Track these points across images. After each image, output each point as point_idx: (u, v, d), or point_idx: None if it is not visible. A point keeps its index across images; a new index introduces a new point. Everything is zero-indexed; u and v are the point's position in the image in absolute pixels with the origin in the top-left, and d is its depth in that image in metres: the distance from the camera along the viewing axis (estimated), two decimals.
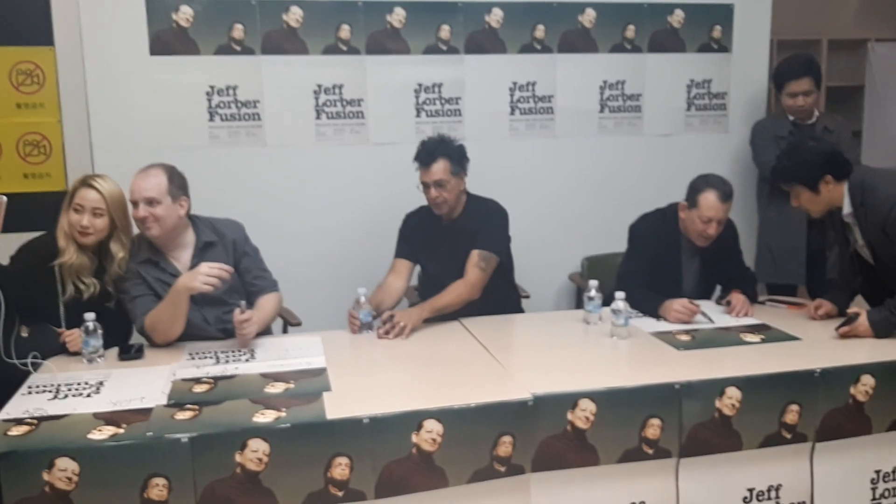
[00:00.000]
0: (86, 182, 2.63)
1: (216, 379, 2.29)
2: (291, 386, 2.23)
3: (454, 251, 3.05)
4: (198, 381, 2.27)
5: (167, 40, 3.42)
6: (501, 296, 3.13)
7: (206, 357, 2.49)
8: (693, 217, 2.96)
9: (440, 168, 2.97)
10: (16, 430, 1.94)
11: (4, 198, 2.18)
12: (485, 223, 3.06)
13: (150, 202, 2.61)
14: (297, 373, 2.35)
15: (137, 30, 3.38)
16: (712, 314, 2.91)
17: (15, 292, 2.36)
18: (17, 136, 3.43)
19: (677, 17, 3.93)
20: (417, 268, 3.21)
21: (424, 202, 3.10)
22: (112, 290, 2.66)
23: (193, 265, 2.65)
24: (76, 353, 2.50)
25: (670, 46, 3.95)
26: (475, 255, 2.99)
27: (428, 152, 3.00)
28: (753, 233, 3.85)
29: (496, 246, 3.03)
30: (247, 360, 2.47)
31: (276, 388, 2.21)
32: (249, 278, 2.81)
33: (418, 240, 3.16)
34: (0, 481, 1.83)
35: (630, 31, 3.89)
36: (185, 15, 3.43)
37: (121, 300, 2.68)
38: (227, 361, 2.46)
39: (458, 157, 3.02)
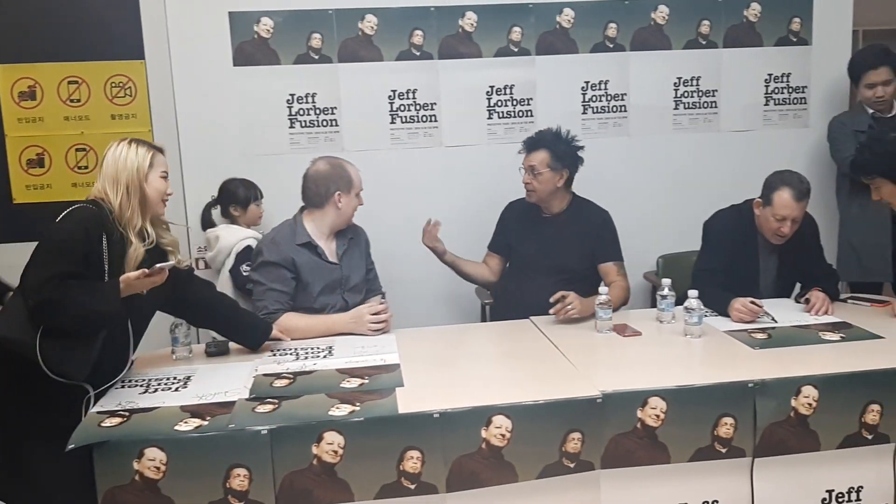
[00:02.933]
0: (158, 147, 2.43)
1: (295, 374, 2.38)
2: (366, 381, 2.30)
3: (549, 244, 3.17)
4: (278, 376, 2.37)
5: (249, 51, 3.58)
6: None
7: (286, 353, 2.60)
8: (767, 215, 2.91)
9: (538, 157, 3.12)
10: (109, 422, 2.06)
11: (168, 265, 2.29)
12: (605, 232, 3.19)
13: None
14: (372, 368, 2.42)
15: (221, 42, 3.55)
16: (787, 313, 2.85)
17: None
18: None
19: (753, 11, 3.85)
20: None
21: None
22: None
23: (342, 253, 2.94)
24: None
25: (747, 41, 3.88)
26: (612, 266, 3.14)
27: (534, 140, 3.20)
28: (835, 230, 3.73)
29: (620, 254, 3.20)
30: (325, 357, 2.55)
31: (352, 384, 2.28)
32: (371, 277, 3.08)
33: (514, 227, 3.30)
34: (94, 469, 1.96)
35: (705, 27, 3.84)
36: (265, 26, 3.57)
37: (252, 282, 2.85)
38: (306, 357, 2.55)
39: (562, 154, 3.14)
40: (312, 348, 2.64)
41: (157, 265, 2.23)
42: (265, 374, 2.38)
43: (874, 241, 3.60)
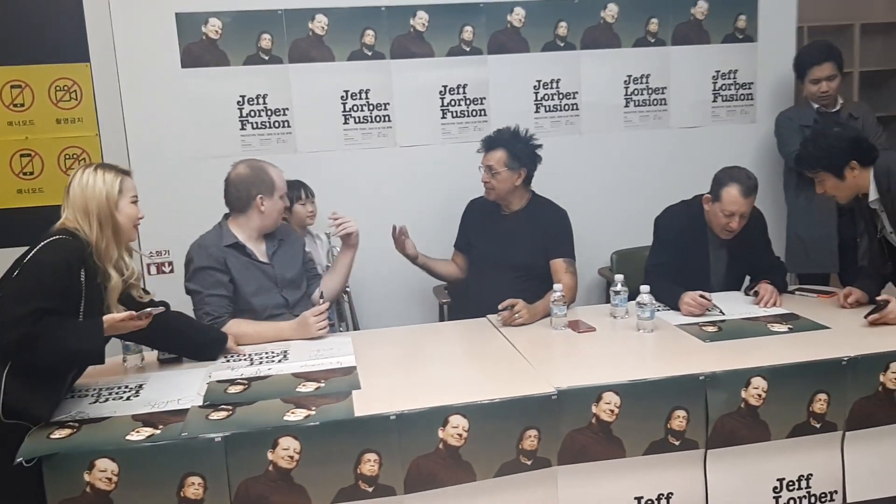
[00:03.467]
0: (126, 172, 2.35)
1: (250, 380, 2.36)
2: (322, 385, 2.29)
3: (507, 242, 3.19)
4: (232, 382, 2.34)
5: (198, 52, 3.53)
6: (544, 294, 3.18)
7: (240, 359, 2.57)
8: (716, 210, 2.96)
9: (495, 156, 3.14)
10: (58, 433, 2.02)
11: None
12: (560, 229, 3.20)
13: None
14: (328, 371, 2.41)
15: (169, 43, 3.49)
16: (736, 305, 2.91)
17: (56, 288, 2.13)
18: (58, 150, 3.57)
19: (701, 9, 3.92)
20: None
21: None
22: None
23: (271, 255, 2.89)
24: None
25: (695, 38, 3.95)
26: (562, 263, 3.13)
27: (492, 139, 3.21)
28: (783, 223, 3.83)
29: (573, 252, 3.19)
30: (279, 361, 2.53)
31: (308, 388, 2.27)
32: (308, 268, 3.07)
33: (475, 224, 3.32)
34: (44, 483, 1.92)
35: (653, 25, 3.89)
36: (214, 27, 3.52)
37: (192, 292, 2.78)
38: (260, 362, 2.53)
39: (519, 153, 3.15)
40: (267, 353, 2.62)
41: (147, 310, 2.21)
42: (219, 381, 2.36)
43: (821, 234, 3.69)
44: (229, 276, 2.77)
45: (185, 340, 2.59)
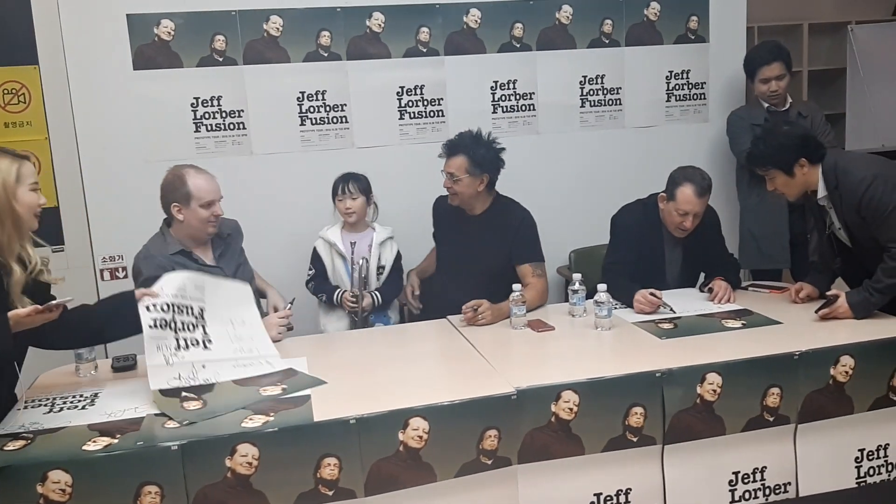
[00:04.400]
0: (22, 156, 2.21)
1: (198, 390, 2.25)
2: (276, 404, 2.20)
3: (470, 244, 3.18)
4: (183, 398, 2.21)
5: (150, 54, 3.47)
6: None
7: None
8: (671, 209, 3.01)
9: (456, 163, 3.10)
10: (11, 445, 1.98)
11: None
12: (525, 233, 3.18)
13: (220, 199, 2.80)
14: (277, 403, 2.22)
15: (120, 45, 3.43)
16: (691, 302, 2.96)
17: None
18: None
19: (653, 10, 3.97)
20: None
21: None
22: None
23: (218, 255, 2.85)
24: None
25: (648, 39, 4.00)
26: (528, 268, 3.13)
27: (452, 145, 3.16)
28: (736, 220, 3.90)
29: (539, 254, 3.19)
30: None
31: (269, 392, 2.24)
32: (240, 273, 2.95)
33: (442, 223, 3.32)
34: None
35: (607, 26, 3.93)
36: (166, 28, 3.47)
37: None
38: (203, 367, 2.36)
39: (480, 160, 3.10)
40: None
41: (55, 302, 2.08)
42: (165, 393, 2.22)
43: (773, 230, 3.76)
44: None
45: (94, 324, 2.37)
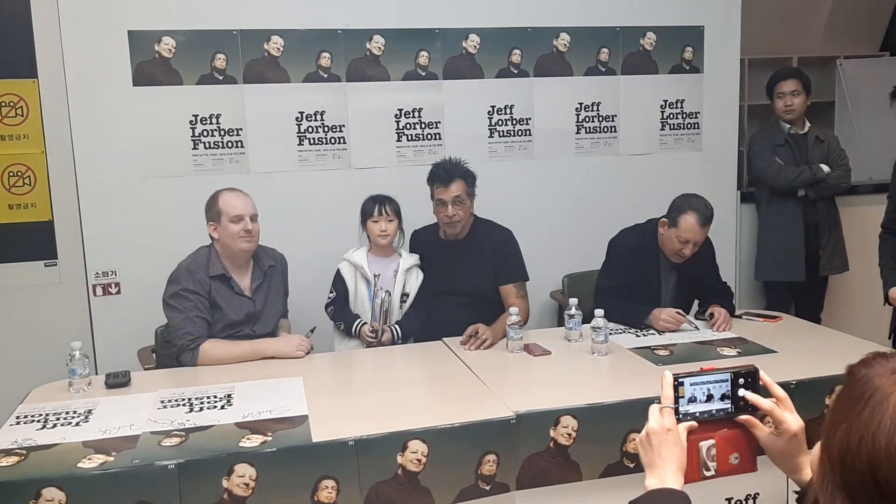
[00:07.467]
0: None
1: (188, 431, 2.13)
2: (269, 439, 2.05)
3: (456, 269, 3.18)
4: (168, 433, 2.11)
5: (150, 71, 3.47)
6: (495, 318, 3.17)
7: (178, 405, 2.34)
8: (671, 235, 3.03)
9: (458, 187, 3.10)
10: (4, 461, 1.95)
11: None
12: (507, 253, 3.19)
13: (254, 217, 2.86)
14: (276, 422, 2.18)
15: (120, 61, 3.43)
16: (684, 330, 3.00)
17: None
18: (1, 168, 3.46)
19: (649, 40, 4.03)
20: None
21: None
22: None
23: (256, 287, 2.92)
24: None
25: (643, 68, 4.05)
26: (512, 288, 3.14)
27: (447, 171, 3.13)
28: (729, 246, 3.97)
29: (524, 274, 3.21)
30: (222, 407, 2.31)
31: (252, 442, 2.05)
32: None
33: (427, 254, 3.28)
34: None
35: (604, 55, 3.98)
36: (167, 46, 3.48)
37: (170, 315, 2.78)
38: (200, 409, 2.31)
39: (472, 180, 3.16)
40: (209, 397, 2.39)
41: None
42: (153, 433, 2.12)
43: (789, 245, 3.94)
44: (211, 302, 2.82)
45: None
